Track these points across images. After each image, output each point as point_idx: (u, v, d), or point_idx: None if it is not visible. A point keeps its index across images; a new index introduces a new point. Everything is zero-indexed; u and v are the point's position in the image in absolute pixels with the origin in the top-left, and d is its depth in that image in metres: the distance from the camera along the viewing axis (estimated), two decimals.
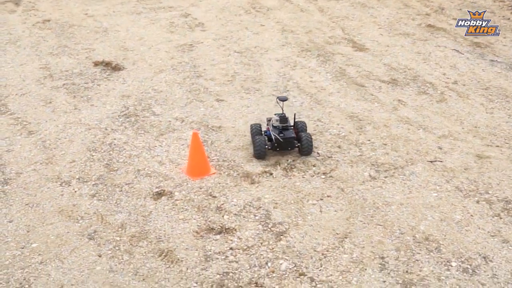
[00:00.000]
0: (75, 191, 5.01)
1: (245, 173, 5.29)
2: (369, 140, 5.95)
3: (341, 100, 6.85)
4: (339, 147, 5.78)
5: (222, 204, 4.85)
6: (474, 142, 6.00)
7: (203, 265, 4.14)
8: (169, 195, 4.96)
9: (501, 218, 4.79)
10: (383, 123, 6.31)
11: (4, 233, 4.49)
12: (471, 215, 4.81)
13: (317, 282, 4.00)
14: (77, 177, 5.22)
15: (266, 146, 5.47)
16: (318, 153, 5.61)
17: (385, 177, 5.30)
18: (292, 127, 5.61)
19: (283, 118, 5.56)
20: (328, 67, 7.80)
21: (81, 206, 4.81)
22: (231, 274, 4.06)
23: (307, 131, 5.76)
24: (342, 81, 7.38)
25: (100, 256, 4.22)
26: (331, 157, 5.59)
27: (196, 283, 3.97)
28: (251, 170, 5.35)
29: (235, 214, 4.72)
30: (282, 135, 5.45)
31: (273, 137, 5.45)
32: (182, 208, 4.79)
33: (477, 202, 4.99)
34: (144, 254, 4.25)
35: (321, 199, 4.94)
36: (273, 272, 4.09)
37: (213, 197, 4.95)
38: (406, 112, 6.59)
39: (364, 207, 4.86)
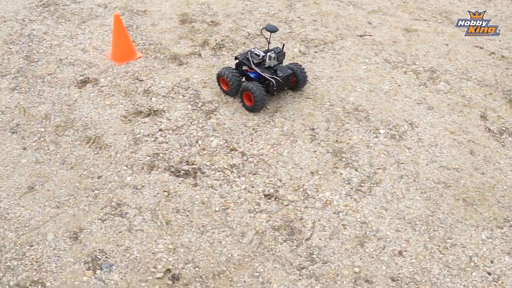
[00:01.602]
0: None
1: (172, 55, 5.09)
2: (298, 17, 5.80)
3: None
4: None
5: (150, 87, 4.69)
6: (403, 17, 5.99)
7: (132, 149, 4.07)
8: (94, 82, 4.73)
9: (427, 87, 4.91)
10: (312, 1, 6.13)
11: None
12: (399, 85, 4.91)
13: (248, 156, 4.04)
14: None
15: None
16: (248, 33, 5.44)
17: (315, 52, 5.25)
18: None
19: (281, 53, 4.49)
20: None
21: (1, 101, 4.53)
22: (161, 154, 4.02)
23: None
24: None
25: (24, 149, 4.06)
26: (260, 35, 5.43)
27: (126, 166, 3.92)
28: (179, 51, 5.15)
29: (163, 96, 4.59)
30: (280, 74, 4.44)
31: (271, 80, 4.36)
32: (109, 94, 4.60)
33: (405, 72, 5.08)
34: (71, 142, 4.12)
35: None
36: (204, 149, 4.09)
37: (140, 80, 4.77)
38: None
39: None
